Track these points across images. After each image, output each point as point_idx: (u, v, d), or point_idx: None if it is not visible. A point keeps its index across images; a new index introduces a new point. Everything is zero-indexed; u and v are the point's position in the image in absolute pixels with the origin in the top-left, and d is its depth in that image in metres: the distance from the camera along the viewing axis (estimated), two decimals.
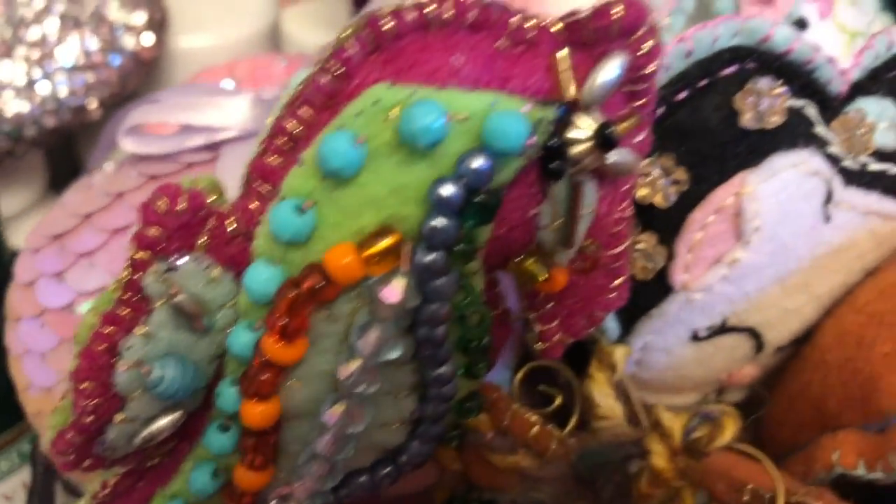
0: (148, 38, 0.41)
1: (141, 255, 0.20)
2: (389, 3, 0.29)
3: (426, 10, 0.18)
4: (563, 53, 0.19)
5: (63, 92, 0.39)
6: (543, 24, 0.19)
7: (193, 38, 0.46)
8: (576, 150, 0.19)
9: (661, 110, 0.24)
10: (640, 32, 0.19)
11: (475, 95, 0.18)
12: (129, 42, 0.40)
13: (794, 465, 0.29)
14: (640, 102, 0.20)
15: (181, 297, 0.20)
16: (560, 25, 0.19)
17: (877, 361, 0.26)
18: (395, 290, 0.18)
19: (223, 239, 0.20)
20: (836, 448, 0.27)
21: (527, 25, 0.19)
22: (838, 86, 0.26)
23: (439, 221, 0.18)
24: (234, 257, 0.20)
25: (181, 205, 0.20)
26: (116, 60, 0.40)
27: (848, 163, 0.27)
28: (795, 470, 0.28)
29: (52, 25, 0.39)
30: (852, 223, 0.27)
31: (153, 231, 0.20)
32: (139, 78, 0.41)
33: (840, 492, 0.28)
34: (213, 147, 0.30)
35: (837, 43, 0.33)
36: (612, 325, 0.28)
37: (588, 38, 0.19)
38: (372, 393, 0.20)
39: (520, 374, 0.29)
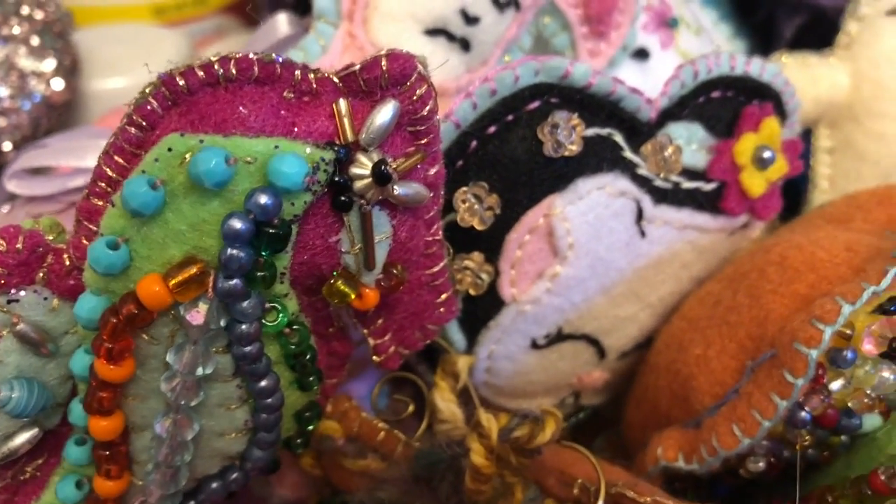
0: (58, 84, 0.43)
1: None
2: (273, 38, 0.32)
3: (214, 68, 0.21)
4: (342, 102, 0.21)
5: None
6: (324, 76, 0.22)
7: (107, 80, 0.49)
8: (358, 184, 0.21)
9: (473, 144, 0.27)
10: (410, 81, 0.22)
11: (260, 141, 0.21)
12: (38, 87, 0.43)
13: (639, 463, 0.31)
14: (424, 140, 0.23)
15: (22, 326, 0.22)
16: (339, 78, 0.21)
17: (691, 363, 0.29)
18: (199, 314, 0.21)
19: (61, 272, 0.23)
20: (661, 444, 0.29)
21: (310, 77, 0.21)
22: (647, 113, 0.29)
23: (234, 251, 0.20)
24: (73, 288, 0.23)
25: (19, 244, 0.22)
26: (27, 105, 0.42)
27: (659, 182, 0.29)
28: (640, 467, 0.31)
29: None
30: (669, 237, 0.30)
31: None
32: (51, 120, 0.44)
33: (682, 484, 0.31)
34: None
35: None
36: (457, 337, 0.30)
37: (363, 88, 0.22)
38: (196, 405, 0.23)
39: (377, 388, 0.31)
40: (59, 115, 0.45)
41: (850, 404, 0.27)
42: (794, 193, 0.42)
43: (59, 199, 0.32)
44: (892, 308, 0.26)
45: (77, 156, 0.32)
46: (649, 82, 0.31)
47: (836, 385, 0.26)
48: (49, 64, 0.44)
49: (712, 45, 0.39)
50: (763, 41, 0.43)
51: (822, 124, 0.40)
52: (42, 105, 0.43)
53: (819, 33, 0.41)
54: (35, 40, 0.44)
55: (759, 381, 0.26)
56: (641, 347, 0.33)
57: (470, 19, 0.30)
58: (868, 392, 0.27)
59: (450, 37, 0.30)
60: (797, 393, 0.25)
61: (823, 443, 0.28)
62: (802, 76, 0.38)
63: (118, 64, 0.50)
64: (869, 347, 0.26)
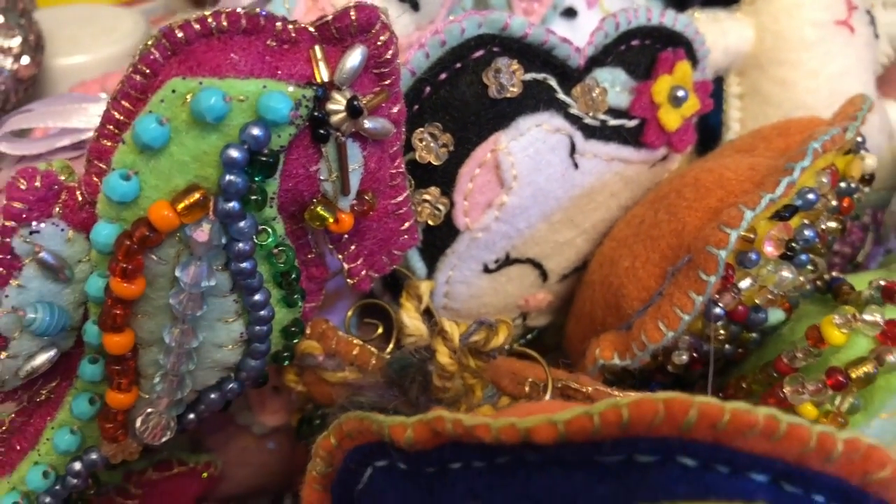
0: (25, 59, 0.46)
1: (8, 223, 0.25)
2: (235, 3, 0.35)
3: (208, 21, 0.24)
4: (318, 48, 0.25)
5: None
6: (302, 26, 0.25)
7: (70, 57, 0.51)
8: (334, 118, 0.25)
9: (427, 89, 0.31)
10: (375, 29, 0.25)
11: (250, 82, 0.24)
12: (6, 63, 0.45)
13: (581, 368, 0.36)
14: (388, 81, 0.27)
15: (43, 254, 0.26)
16: (314, 28, 0.25)
17: (621, 275, 0.33)
18: (203, 233, 0.24)
19: (74, 207, 0.26)
20: (598, 346, 0.34)
21: (289, 27, 0.25)
22: (576, 60, 0.33)
23: (232, 177, 0.24)
24: (85, 221, 0.26)
25: (37, 182, 0.25)
26: None
27: (588, 120, 0.34)
28: (582, 370, 0.35)
29: None
30: (598, 168, 0.34)
31: (16, 204, 0.25)
32: (19, 94, 0.46)
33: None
34: (80, 145, 0.35)
35: None
36: (419, 265, 0.34)
37: (335, 35, 0.25)
38: (198, 320, 0.27)
39: (350, 311, 0.35)
40: (25, 90, 0.48)
41: (756, 300, 0.32)
42: (712, 137, 0.47)
43: (47, 157, 0.35)
44: (787, 214, 0.30)
45: (63, 118, 0.35)
46: (577, 37, 0.35)
47: (744, 284, 0.31)
48: (15, 41, 0.46)
49: (634, 3, 0.43)
50: (680, 1, 0.48)
51: (732, 73, 0.45)
52: (10, 79, 0.46)
53: None
54: (0, 19, 0.46)
55: (678, 282, 0.31)
56: (579, 270, 0.37)
57: None
58: (771, 289, 0.32)
59: None
60: (710, 289, 0.30)
61: (737, 339, 0.33)
62: (713, 30, 0.43)
63: (80, 41, 0.52)
64: (770, 249, 0.31)
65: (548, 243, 0.35)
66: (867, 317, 0.29)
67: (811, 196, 0.31)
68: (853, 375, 0.29)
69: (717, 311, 0.31)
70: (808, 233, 0.31)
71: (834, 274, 0.35)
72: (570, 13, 0.40)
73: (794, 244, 0.30)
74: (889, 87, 0.52)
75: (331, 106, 0.25)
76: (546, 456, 0.23)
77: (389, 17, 0.26)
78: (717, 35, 0.43)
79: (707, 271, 0.30)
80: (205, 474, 0.37)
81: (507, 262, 0.35)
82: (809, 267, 0.32)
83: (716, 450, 0.22)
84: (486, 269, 0.35)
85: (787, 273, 0.31)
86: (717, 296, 0.31)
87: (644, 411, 0.21)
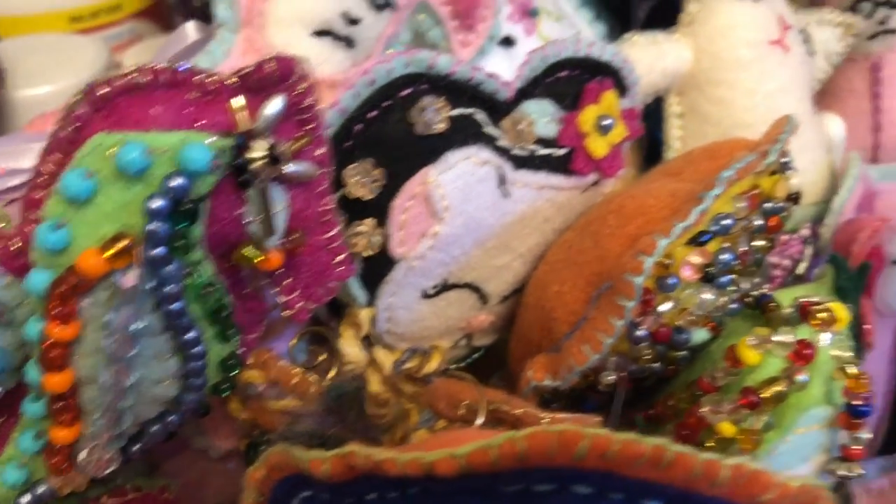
0: None
1: None
2: (183, 44, 0.36)
3: (131, 78, 0.25)
4: (238, 98, 0.26)
5: None
6: (222, 78, 0.26)
7: (33, 88, 0.52)
8: (254, 165, 0.26)
9: (358, 127, 0.32)
10: (293, 79, 0.27)
11: (171, 134, 0.25)
12: None
13: (518, 388, 0.37)
14: (310, 126, 0.28)
15: None
16: (234, 79, 0.26)
17: (552, 299, 0.35)
18: (130, 278, 0.26)
19: (10, 255, 0.27)
20: (531, 368, 0.35)
21: (209, 80, 0.26)
22: (504, 93, 0.34)
23: (155, 226, 0.25)
24: (21, 267, 0.27)
25: None
26: None
27: (517, 151, 0.35)
28: (518, 390, 0.37)
29: None
30: (529, 196, 0.36)
31: None
32: None
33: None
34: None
35: None
36: (359, 293, 0.36)
37: (256, 86, 0.27)
38: (134, 358, 0.28)
39: (293, 341, 0.36)
40: None
41: (679, 322, 0.33)
42: (658, 153, 0.49)
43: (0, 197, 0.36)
44: (702, 239, 0.32)
45: (13, 158, 0.36)
46: (516, 65, 0.36)
47: (665, 307, 0.32)
48: None
49: (573, 29, 0.45)
50: (621, 22, 0.49)
51: (672, 93, 0.46)
52: None
53: (667, 14, 0.47)
54: None
55: (601, 307, 0.32)
56: (518, 291, 0.39)
57: (351, 21, 0.35)
58: (693, 311, 0.33)
59: (335, 36, 0.35)
60: (629, 314, 0.31)
61: (665, 357, 0.35)
62: (651, 52, 0.44)
63: (42, 72, 0.53)
64: (687, 273, 0.32)
65: (485, 268, 0.36)
66: (779, 338, 0.31)
67: (727, 221, 0.32)
68: (765, 395, 0.30)
69: (640, 333, 0.32)
70: (725, 256, 0.32)
71: (764, 290, 0.37)
72: (508, 42, 0.41)
73: (710, 268, 0.32)
74: (831, 100, 0.53)
75: (251, 154, 0.26)
76: (452, 487, 0.24)
77: (310, 65, 0.27)
78: (655, 57, 0.44)
79: (625, 297, 0.31)
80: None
81: (446, 287, 0.36)
82: (732, 287, 0.34)
83: (609, 478, 0.23)
84: (426, 295, 0.36)
85: (707, 295, 0.32)
86: (639, 319, 0.32)
87: (539, 443, 0.23)
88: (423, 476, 0.24)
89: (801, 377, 0.30)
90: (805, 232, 0.46)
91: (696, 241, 0.32)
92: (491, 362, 0.43)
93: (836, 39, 0.49)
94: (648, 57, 0.44)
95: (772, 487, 0.23)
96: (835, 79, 0.52)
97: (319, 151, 0.29)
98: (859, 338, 0.39)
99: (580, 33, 0.45)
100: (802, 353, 0.31)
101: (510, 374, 0.42)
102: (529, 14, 0.42)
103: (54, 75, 0.53)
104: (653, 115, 0.48)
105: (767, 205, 0.36)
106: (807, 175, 0.46)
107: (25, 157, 0.38)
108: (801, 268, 0.46)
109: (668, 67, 0.45)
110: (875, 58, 0.51)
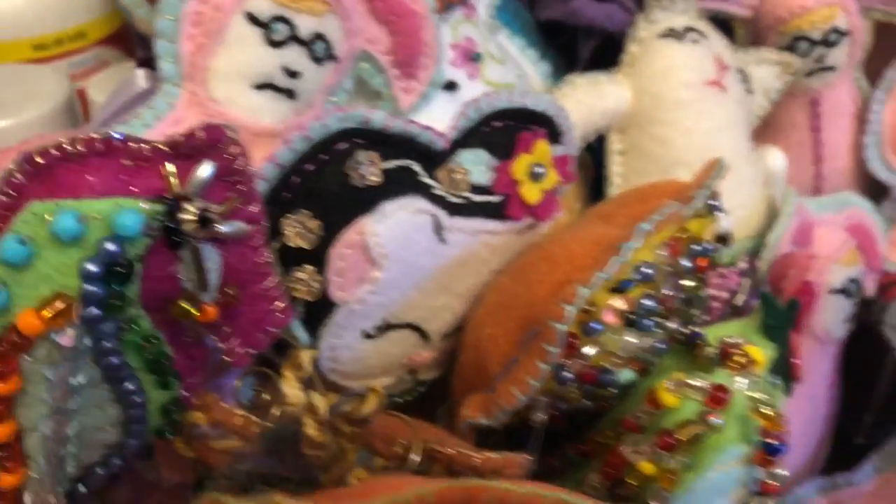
0: None
1: None
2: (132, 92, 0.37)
3: (65, 148, 0.27)
4: (169, 165, 0.28)
5: None
6: (155, 146, 0.28)
7: None
8: (187, 227, 0.28)
9: (296, 179, 0.34)
10: (222, 144, 0.28)
11: (105, 201, 0.27)
12: None
13: (455, 425, 0.38)
14: (240, 187, 0.29)
15: None
16: (166, 147, 0.28)
17: (485, 340, 0.36)
18: (67, 338, 0.27)
19: None
20: (466, 406, 0.36)
21: (142, 148, 0.28)
22: (439, 144, 0.36)
23: (90, 287, 0.27)
24: None
25: None
26: None
27: (452, 199, 0.36)
28: (456, 428, 0.38)
29: None
30: (465, 241, 0.37)
31: None
32: None
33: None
34: None
35: None
36: (301, 334, 0.37)
37: (186, 152, 0.28)
38: (76, 407, 0.29)
39: (237, 383, 0.38)
40: None
41: (605, 364, 0.35)
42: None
43: None
44: (623, 288, 0.33)
45: None
46: (456, 112, 0.38)
47: (589, 350, 0.34)
48: None
49: (517, 72, 0.46)
50: (566, 62, 0.50)
51: (614, 131, 0.48)
52: None
53: (611, 53, 0.49)
54: None
55: (529, 351, 0.34)
56: (460, 329, 0.40)
57: (292, 74, 0.36)
58: (617, 353, 0.34)
59: (276, 89, 0.36)
60: (554, 357, 0.33)
61: (595, 395, 0.36)
62: (592, 92, 0.46)
63: (2, 105, 0.54)
64: (610, 319, 0.34)
65: (424, 309, 0.38)
66: (694, 382, 0.32)
67: (648, 270, 0.34)
68: (681, 437, 0.32)
69: (567, 374, 0.34)
70: (648, 302, 0.34)
71: (694, 329, 0.38)
72: (452, 86, 0.43)
73: (631, 314, 0.33)
74: (775, 133, 0.55)
75: (182, 216, 0.28)
76: None
77: (237, 132, 0.28)
78: (595, 98, 0.46)
79: (550, 343, 0.32)
80: None
81: (387, 327, 0.38)
82: (657, 329, 0.35)
83: None
84: (367, 336, 0.37)
85: (630, 338, 0.34)
86: (565, 361, 0.34)
87: (447, 499, 0.24)
88: None
89: (715, 420, 0.32)
90: (743, 265, 0.48)
91: (618, 288, 0.33)
92: (440, 393, 0.45)
93: (774, 77, 0.50)
94: (589, 97, 0.45)
95: None
96: (777, 113, 0.54)
97: (252, 208, 0.30)
98: (788, 372, 0.41)
99: (524, 75, 0.46)
100: (717, 397, 0.32)
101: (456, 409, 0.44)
102: (472, 59, 0.43)
103: (15, 108, 0.54)
104: (598, 152, 0.50)
105: (695, 247, 0.37)
106: (744, 209, 0.48)
107: None
108: (740, 300, 0.47)
109: (608, 107, 0.46)
110: (814, 93, 0.53)
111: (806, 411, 0.53)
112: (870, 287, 0.54)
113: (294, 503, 0.26)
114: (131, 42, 0.68)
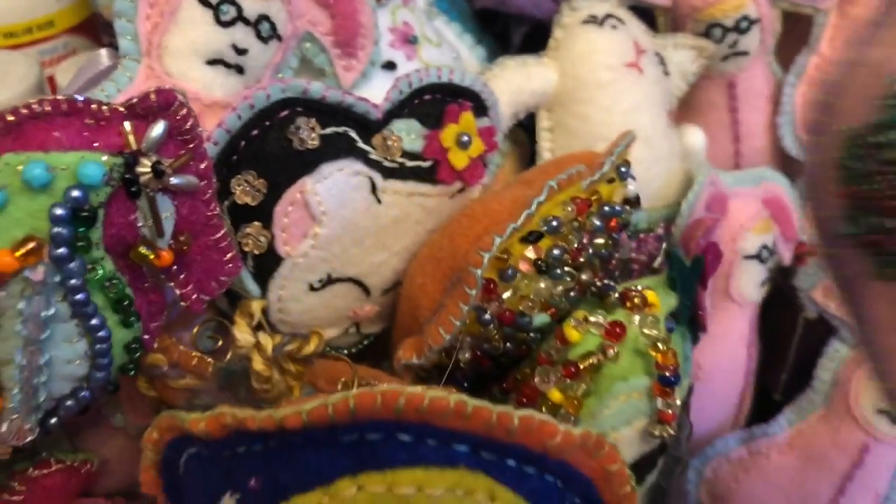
0: None
1: None
2: (96, 69, 0.41)
3: (34, 107, 0.31)
4: (127, 123, 0.32)
5: None
6: (114, 107, 0.32)
7: None
8: (143, 179, 0.32)
9: (242, 144, 0.38)
10: (174, 106, 0.32)
11: (71, 154, 0.31)
12: None
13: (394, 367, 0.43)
14: (191, 145, 0.33)
15: None
16: (124, 108, 0.32)
17: (417, 289, 0.41)
18: (38, 273, 0.31)
19: None
20: (401, 349, 0.41)
21: (103, 108, 0.32)
22: (374, 114, 0.40)
23: (59, 229, 0.31)
24: None
25: None
26: None
27: (387, 164, 0.41)
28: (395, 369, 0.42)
29: None
30: (400, 202, 0.41)
31: None
32: None
33: None
34: None
35: None
36: (252, 286, 0.41)
37: (142, 113, 0.32)
38: (47, 341, 0.33)
39: (196, 329, 0.42)
40: None
41: (520, 307, 0.39)
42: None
43: None
44: (531, 238, 0.38)
45: None
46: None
47: (505, 294, 0.38)
48: None
49: (453, 54, 0.50)
50: (501, 46, 0.55)
51: (542, 109, 0.52)
52: None
53: (541, 38, 0.53)
54: None
55: (452, 295, 0.38)
56: (398, 285, 0.44)
57: (240, 51, 0.40)
58: (531, 298, 0.39)
59: (226, 65, 0.40)
60: (474, 299, 0.37)
61: (515, 339, 0.40)
62: (520, 74, 0.50)
63: None
64: (523, 267, 0.38)
65: (364, 264, 0.42)
66: (593, 318, 0.37)
67: (554, 223, 0.38)
68: (582, 366, 0.36)
69: (486, 317, 0.38)
70: (556, 251, 0.38)
71: (605, 282, 0.43)
72: (391, 66, 0.47)
73: (540, 262, 0.38)
74: (696, 113, 0.60)
75: (139, 169, 0.32)
76: (303, 438, 0.30)
77: (187, 96, 0.32)
78: (522, 79, 0.50)
79: (469, 286, 0.37)
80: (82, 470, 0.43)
81: (330, 281, 0.42)
82: (567, 279, 0.40)
83: (424, 427, 0.29)
84: (312, 288, 0.42)
85: (541, 284, 0.38)
86: (485, 304, 0.38)
87: (365, 400, 0.28)
88: (277, 430, 0.29)
89: (611, 351, 0.36)
90: (660, 231, 0.52)
91: (529, 238, 0.38)
92: (382, 349, 0.49)
93: (690, 61, 0.55)
94: (517, 78, 0.50)
95: (557, 434, 0.29)
96: (697, 94, 0.59)
97: (203, 165, 0.34)
98: (695, 323, 0.46)
99: (459, 57, 0.51)
100: (614, 332, 0.37)
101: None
102: (410, 41, 0.48)
103: None
104: (532, 130, 0.54)
105: (606, 208, 0.42)
106: (661, 180, 0.53)
107: None
108: (657, 262, 0.52)
109: (535, 88, 0.51)
110: (730, 76, 0.58)
111: (726, 368, 0.58)
112: (787, 256, 0.58)
113: (237, 412, 0.30)
114: (98, 31, 0.72)
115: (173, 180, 0.33)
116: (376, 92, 0.43)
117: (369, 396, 0.28)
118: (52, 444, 0.43)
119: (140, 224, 0.33)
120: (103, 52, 0.44)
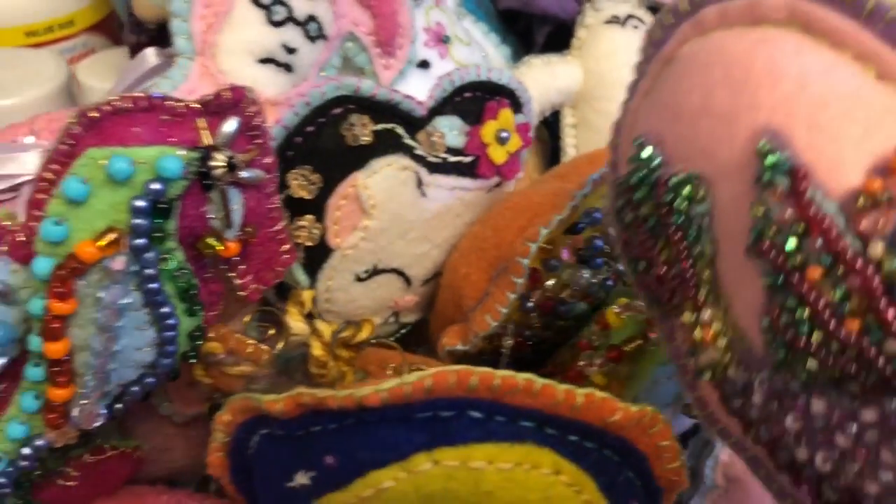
0: None
1: None
2: (144, 68, 0.43)
3: (115, 104, 0.32)
4: (201, 120, 0.33)
5: None
6: (189, 104, 0.33)
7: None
8: (216, 173, 0.33)
9: (298, 140, 0.39)
10: (244, 103, 0.34)
11: (150, 149, 0.32)
12: None
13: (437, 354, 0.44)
14: (259, 141, 0.35)
15: None
16: (198, 105, 0.33)
17: (461, 279, 0.42)
18: (118, 263, 0.32)
19: (17, 246, 0.34)
20: (446, 335, 0.42)
21: (177, 105, 0.33)
22: (419, 111, 0.42)
23: (139, 221, 0.32)
24: (25, 256, 0.34)
25: None
26: None
27: (431, 159, 0.42)
28: (439, 357, 0.44)
29: None
30: (443, 196, 0.43)
31: None
32: None
33: None
34: (15, 188, 0.42)
35: None
36: (302, 277, 0.43)
37: (216, 109, 0.33)
38: (120, 328, 0.34)
39: (247, 318, 0.43)
40: None
41: (562, 296, 0.41)
42: (558, 158, 0.57)
43: None
44: (577, 229, 0.40)
45: None
46: (432, 84, 0.44)
47: (550, 283, 0.40)
48: None
49: (481, 52, 0.52)
50: (524, 45, 0.57)
51: (567, 106, 0.54)
52: None
53: (563, 38, 0.55)
54: None
55: (498, 284, 0.40)
56: (437, 276, 0.46)
57: (290, 50, 0.42)
58: (573, 287, 0.41)
59: (277, 64, 0.42)
60: (520, 288, 0.39)
61: (554, 326, 0.42)
62: (546, 72, 0.52)
63: (5, 85, 0.59)
64: (566, 256, 0.40)
65: (407, 256, 0.44)
66: (637, 304, 0.39)
67: (596, 215, 0.40)
68: (626, 349, 0.38)
69: (529, 304, 0.40)
70: (597, 242, 0.40)
71: None
72: (425, 64, 0.49)
73: (582, 252, 0.40)
74: None
75: (213, 163, 0.33)
76: (378, 416, 0.31)
77: (256, 91, 0.34)
78: (549, 77, 0.52)
79: (516, 275, 0.39)
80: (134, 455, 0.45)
81: (376, 272, 0.43)
82: (606, 268, 0.42)
83: (494, 405, 0.31)
84: (359, 279, 0.43)
85: (583, 273, 0.40)
86: (529, 293, 0.40)
87: (441, 380, 0.30)
88: (356, 408, 0.31)
89: (654, 336, 0.38)
90: None
91: (572, 230, 0.40)
92: (417, 338, 0.50)
93: None
94: (543, 76, 0.52)
95: (617, 411, 0.31)
96: None
97: (267, 160, 0.36)
98: None
99: (487, 56, 0.53)
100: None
101: (432, 348, 0.50)
102: (442, 41, 0.49)
103: (18, 88, 0.59)
104: (553, 126, 0.56)
105: None
106: None
107: (5, 165, 0.44)
108: None
109: (560, 85, 0.53)
110: None
111: None
112: None
113: (316, 392, 0.31)
114: (116, 31, 0.73)
115: (243, 174, 0.34)
116: (412, 89, 0.45)
117: (445, 375, 0.30)
118: (105, 431, 0.44)
119: (210, 216, 0.35)
120: (150, 51, 0.45)
